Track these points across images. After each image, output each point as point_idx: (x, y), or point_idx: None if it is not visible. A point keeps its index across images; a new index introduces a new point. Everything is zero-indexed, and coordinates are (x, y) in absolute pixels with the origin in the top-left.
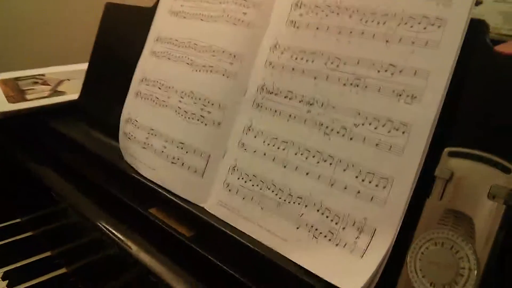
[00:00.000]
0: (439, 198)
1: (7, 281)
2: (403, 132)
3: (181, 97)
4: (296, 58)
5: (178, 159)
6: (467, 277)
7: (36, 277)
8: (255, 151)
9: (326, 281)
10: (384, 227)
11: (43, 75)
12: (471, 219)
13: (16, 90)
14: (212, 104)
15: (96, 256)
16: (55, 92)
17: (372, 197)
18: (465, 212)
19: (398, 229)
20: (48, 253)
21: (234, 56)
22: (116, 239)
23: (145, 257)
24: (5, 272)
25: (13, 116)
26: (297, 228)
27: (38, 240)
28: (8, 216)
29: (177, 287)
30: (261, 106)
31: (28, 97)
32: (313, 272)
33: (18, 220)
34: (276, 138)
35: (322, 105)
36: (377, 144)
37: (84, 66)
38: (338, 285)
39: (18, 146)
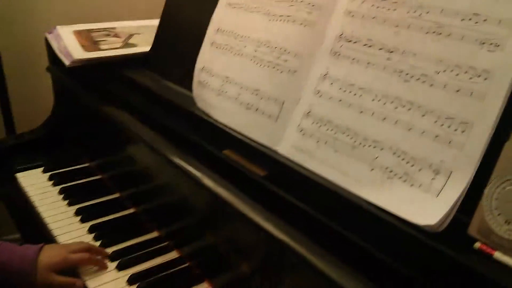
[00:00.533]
0: None
1: (80, 216)
2: (485, 79)
3: (257, 46)
4: (377, 7)
5: (252, 105)
6: None
7: (106, 215)
8: (330, 98)
9: (400, 218)
10: (461, 169)
11: (114, 28)
12: None
13: (89, 41)
14: (289, 53)
15: (169, 195)
16: (127, 44)
17: (450, 141)
18: None
19: (475, 172)
20: (117, 195)
21: (313, 5)
22: (192, 176)
23: (222, 192)
24: (77, 209)
25: (89, 63)
26: (372, 170)
27: (107, 183)
28: (80, 159)
29: (254, 217)
30: (339, 54)
31: (101, 47)
32: (387, 209)
33: (87, 164)
34: (353, 85)
35: (403, 53)
36: (458, 90)
37: (152, 22)
38: (412, 221)
39: (91, 92)
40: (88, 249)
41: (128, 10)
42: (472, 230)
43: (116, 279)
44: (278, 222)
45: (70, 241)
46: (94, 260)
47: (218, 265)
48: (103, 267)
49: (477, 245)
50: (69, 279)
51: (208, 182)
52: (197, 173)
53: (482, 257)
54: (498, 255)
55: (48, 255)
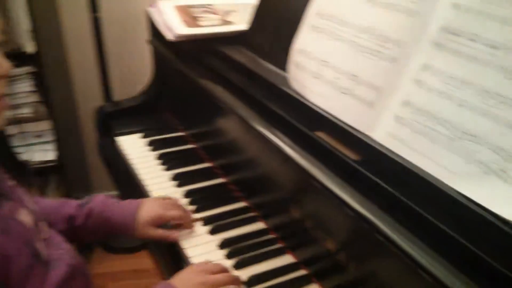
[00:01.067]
0: None
1: (177, 181)
2: None
3: (358, 32)
4: (485, 2)
5: (349, 90)
6: None
7: (199, 182)
8: (430, 89)
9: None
10: None
11: (211, 4)
12: None
13: (189, 16)
14: (390, 40)
15: (258, 169)
16: (225, 22)
17: None
18: None
19: None
20: (210, 164)
21: None
22: (282, 151)
23: (311, 168)
24: (175, 174)
25: (189, 39)
26: (468, 163)
27: (200, 152)
28: (175, 128)
29: (342, 196)
30: (442, 46)
31: (201, 23)
32: (481, 203)
33: (182, 133)
34: (454, 78)
35: (507, 50)
36: None
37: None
38: (508, 218)
39: (189, 65)
40: (177, 205)
41: None
42: None
43: (208, 242)
44: (368, 203)
45: None
46: (185, 218)
47: (303, 239)
48: (190, 227)
49: None
50: (165, 232)
51: (299, 158)
52: (288, 149)
53: None
54: None
55: (146, 210)
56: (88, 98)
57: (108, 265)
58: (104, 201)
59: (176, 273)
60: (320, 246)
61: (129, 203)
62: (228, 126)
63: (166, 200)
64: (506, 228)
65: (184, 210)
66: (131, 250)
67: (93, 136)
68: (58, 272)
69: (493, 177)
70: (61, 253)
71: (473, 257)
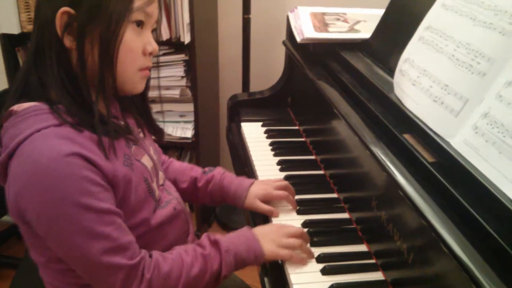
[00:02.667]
0: None
1: (280, 166)
2: None
3: (457, 46)
4: None
5: (439, 98)
6: None
7: (301, 170)
8: (509, 104)
9: None
10: None
11: (345, 13)
12: None
13: (321, 23)
14: (483, 57)
15: (353, 166)
16: (352, 30)
17: None
18: None
19: None
20: (313, 156)
21: None
22: (370, 151)
23: (393, 171)
24: (279, 160)
25: (316, 42)
26: None
27: (308, 145)
28: (292, 122)
29: (418, 203)
30: None
31: (329, 29)
32: None
33: (297, 127)
34: None
35: None
36: None
37: (381, 11)
38: None
39: (312, 66)
40: (286, 187)
41: None
42: None
43: (295, 219)
44: (436, 210)
45: None
46: (290, 199)
47: (378, 234)
48: (294, 207)
49: None
50: (269, 207)
51: (384, 160)
52: (377, 150)
53: None
54: None
55: (257, 186)
56: (230, 88)
57: None
58: (224, 172)
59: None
60: (391, 243)
61: (243, 179)
62: (335, 125)
63: (276, 181)
64: None
65: (292, 192)
66: None
67: (225, 122)
68: (165, 211)
69: None
70: (171, 198)
71: None
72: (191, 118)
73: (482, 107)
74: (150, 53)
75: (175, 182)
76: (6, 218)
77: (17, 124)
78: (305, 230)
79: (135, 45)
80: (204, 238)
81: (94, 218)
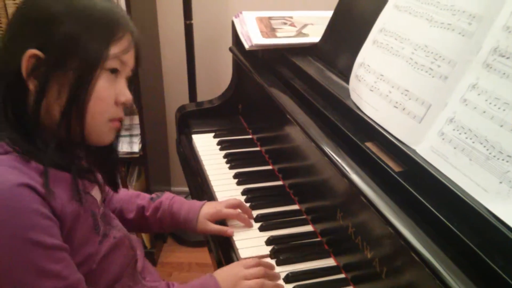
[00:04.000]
0: None
1: (237, 179)
2: None
3: (415, 49)
4: None
5: (400, 104)
6: None
7: (258, 183)
8: (475, 108)
9: None
10: None
11: (291, 17)
12: None
13: (268, 28)
14: (443, 59)
15: (313, 175)
16: (300, 34)
17: None
18: None
19: None
20: (270, 167)
21: (474, 16)
22: (332, 161)
23: (357, 180)
24: (236, 173)
25: (264, 48)
26: (500, 182)
27: (264, 155)
28: (244, 131)
29: (384, 211)
30: (490, 67)
31: (277, 34)
32: (506, 222)
33: (250, 136)
34: (499, 99)
35: None
36: None
37: (328, 13)
38: None
39: (262, 72)
40: (239, 205)
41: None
42: None
43: (257, 237)
44: (404, 217)
45: (225, 198)
46: (241, 218)
47: (346, 246)
48: (248, 225)
49: None
50: (221, 227)
51: (347, 170)
52: (339, 160)
53: None
54: None
55: (207, 207)
56: (176, 98)
57: (176, 255)
58: (172, 198)
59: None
60: (359, 253)
61: (194, 202)
62: (290, 133)
63: (228, 200)
64: None
65: (246, 210)
66: (199, 244)
67: (174, 135)
68: (106, 243)
69: None
70: (110, 228)
71: (493, 274)
72: (138, 131)
73: (447, 112)
74: (123, 103)
75: (120, 212)
76: None
77: None
78: (270, 248)
79: (107, 94)
80: (162, 285)
81: (44, 255)
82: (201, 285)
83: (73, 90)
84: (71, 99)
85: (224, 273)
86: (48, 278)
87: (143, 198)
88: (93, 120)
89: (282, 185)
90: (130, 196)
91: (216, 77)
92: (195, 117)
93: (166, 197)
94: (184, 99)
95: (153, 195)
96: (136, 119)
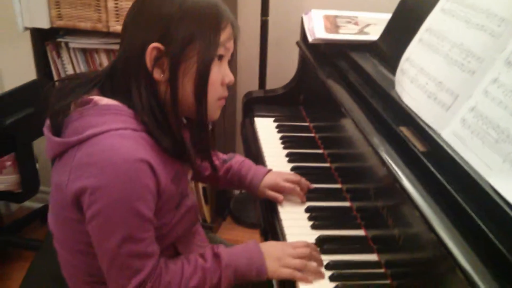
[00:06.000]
0: None
1: (288, 158)
2: None
3: (452, 47)
4: None
5: (433, 94)
6: None
7: (308, 162)
8: (493, 98)
9: None
10: None
11: (356, 17)
12: None
13: (333, 25)
14: (473, 56)
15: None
16: (361, 32)
17: None
18: None
19: None
20: (321, 151)
21: (503, 20)
22: (372, 146)
23: (388, 159)
24: (288, 153)
25: (327, 42)
26: (503, 162)
27: (317, 140)
28: (303, 118)
29: (404, 182)
30: (511, 64)
31: (340, 31)
32: (506, 197)
33: (307, 123)
34: None
35: None
36: None
37: (390, 15)
38: None
39: (323, 66)
40: (298, 182)
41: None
42: None
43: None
44: (423, 193)
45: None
46: (296, 192)
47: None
48: (302, 199)
49: None
50: (273, 194)
51: (383, 151)
52: (379, 145)
53: None
54: None
55: (269, 177)
56: (247, 85)
57: (233, 233)
58: (242, 161)
59: None
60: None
61: (259, 169)
62: (342, 122)
63: (289, 174)
64: None
65: (303, 187)
66: (256, 225)
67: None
68: (179, 213)
69: None
70: (184, 197)
71: (495, 249)
72: None
73: (470, 102)
74: (227, 83)
75: (198, 169)
76: (29, 203)
77: (95, 116)
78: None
79: (216, 77)
80: (207, 250)
81: (139, 224)
82: (244, 251)
83: (197, 78)
84: (197, 84)
85: (271, 246)
86: (132, 243)
87: (218, 157)
88: (208, 101)
89: (329, 167)
90: None
91: (284, 69)
92: (260, 103)
93: (236, 161)
94: (254, 88)
95: (226, 157)
96: None
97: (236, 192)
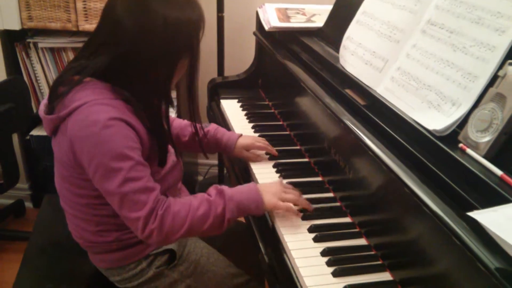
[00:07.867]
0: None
1: (254, 129)
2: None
3: (382, 24)
4: (457, 5)
5: (369, 61)
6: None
7: (269, 131)
8: (413, 59)
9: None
10: (464, 103)
11: (303, 9)
12: None
13: (284, 15)
14: (397, 29)
15: (308, 122)
16: (309, 21)
17: (463, 85)
18: None
19: (472, 105)
20: (280, 122)
21: (419, 0)
22: (324, 104)
23: (338, 114)
24: (255, 125)
25: (280, 30)
26: (421, 102)
27: (279, 117)
28: (263, 99)
29: (350, 126)
30: (425, 33)
31: (291, 20)
32: (423, 124)
33: (267, 102)
34: (427, 51)
35: (457, 33)
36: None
37: (330, 7)
38: (429, 127)
39: (277, 50)
40: (265, 142)
41: None
42: (460, 136)
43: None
44: (368, 134)
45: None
46: (269, 149)
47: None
48: (274, 154)
49: (460, 144)
50: (251, 154)
51: (334, 107)
52: (330, 103)
53: (462, 151)
54: (468, 150)
55: (243, 138)
56: (206, 73)
57: None
58: (216, 128)
59: None
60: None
61: (233, 133)
62: (297, 95)
63: (258, 137)
64: (431, 137)
65: (268, 146)
66: None
67: (205, 102)
68: (171, 157)
69: (432, 109)
70: (171, 152)
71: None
72: (175, 103)
73: (397, 64)
74: None
75: (177, 136)
76: (3, 200)
77: (78, 92)
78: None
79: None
80: (211, 188)
81: (131, 165)
82: (244, 188)
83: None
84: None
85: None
86: (133, 182)
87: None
88: None
89: (288, 134)
90: (185, 124)
91: (239, 61)
92: (223, 87)
93: (212, 127)
94: (214, 75)
95: (203, 124)
96: (174, 93)
97: (200, 177)
